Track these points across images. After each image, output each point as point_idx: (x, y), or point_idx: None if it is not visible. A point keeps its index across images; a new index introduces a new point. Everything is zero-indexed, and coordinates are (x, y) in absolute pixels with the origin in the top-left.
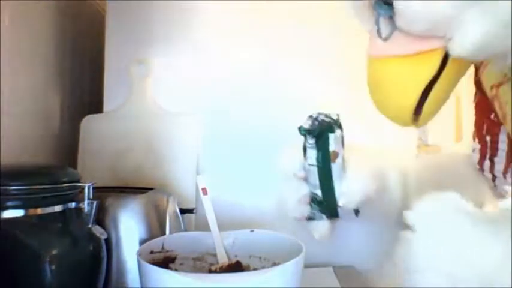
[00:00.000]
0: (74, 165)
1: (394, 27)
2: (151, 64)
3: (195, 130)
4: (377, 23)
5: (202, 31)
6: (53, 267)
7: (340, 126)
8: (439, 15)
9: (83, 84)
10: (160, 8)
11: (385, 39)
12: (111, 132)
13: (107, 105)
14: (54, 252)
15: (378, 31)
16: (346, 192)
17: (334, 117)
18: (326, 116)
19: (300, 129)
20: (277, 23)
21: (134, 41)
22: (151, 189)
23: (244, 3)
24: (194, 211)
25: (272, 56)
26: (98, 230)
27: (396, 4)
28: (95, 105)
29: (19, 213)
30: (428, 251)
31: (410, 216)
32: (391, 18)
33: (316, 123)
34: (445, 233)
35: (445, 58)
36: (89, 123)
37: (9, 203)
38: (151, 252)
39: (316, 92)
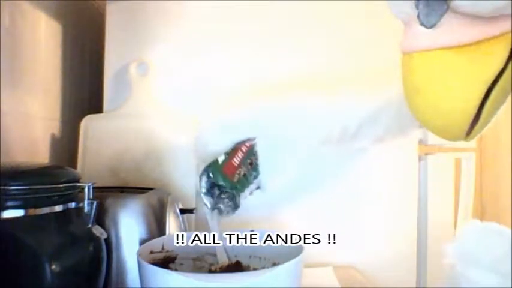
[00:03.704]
0: (74, 165)
1: (443, 9)
2: (151, 64)
3: (194, 130)
4: (419, 4)
5: (202, 31)
6: (53, 267)
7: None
8: None
9: (83, 84)
10: (160, 8)
11: (432, 26)
12: (111, 132)
13: (107, 105)
14: (54, 252)
15: (422, 16)
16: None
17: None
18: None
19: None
20: (278, 24)
21: (134, 41)
22: (151, 189)
23: (245, 3)
24: (194, 211)
25: (272, 56)
26: (98, 230)
27: None
28: (95, 105)
29: (19, 213)
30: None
31: (452, 249)
32: None
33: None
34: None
35: None
36: (89, 123)
37: (9, 203)
38: (151, 252)
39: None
